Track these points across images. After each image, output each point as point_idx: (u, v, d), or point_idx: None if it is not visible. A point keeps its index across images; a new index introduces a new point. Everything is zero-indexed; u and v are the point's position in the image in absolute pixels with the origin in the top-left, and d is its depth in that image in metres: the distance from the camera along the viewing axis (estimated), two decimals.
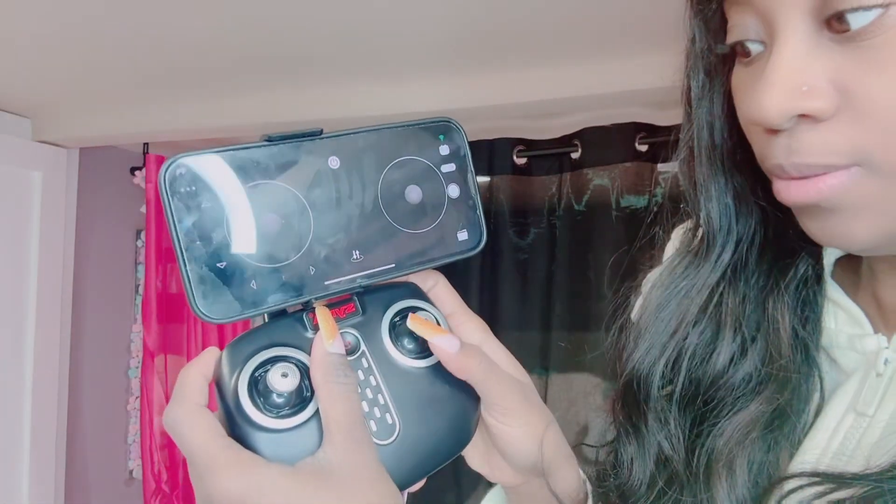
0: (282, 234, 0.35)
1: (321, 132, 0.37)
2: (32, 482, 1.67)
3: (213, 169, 0.34)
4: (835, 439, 0.36)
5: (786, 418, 0.38)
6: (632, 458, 0.42)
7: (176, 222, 0.33)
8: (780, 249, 0.41)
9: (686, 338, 0.41)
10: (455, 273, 1.67)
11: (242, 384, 0.34)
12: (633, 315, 0.48)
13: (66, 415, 1.82)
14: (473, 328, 0.42)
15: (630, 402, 0.43)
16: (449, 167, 0.41)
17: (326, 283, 0.36)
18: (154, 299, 1.93)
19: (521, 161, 1.63)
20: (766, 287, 0.41)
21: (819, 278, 0.40)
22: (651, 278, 0.47)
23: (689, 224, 0.44)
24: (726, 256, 0.41)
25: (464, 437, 0.39)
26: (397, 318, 0.39)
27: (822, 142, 0.31)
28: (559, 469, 0.41)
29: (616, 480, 0.43)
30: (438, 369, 0.38)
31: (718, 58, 0.39)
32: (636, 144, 1.52)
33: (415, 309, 0.39)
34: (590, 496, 0.45)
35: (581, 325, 1.58)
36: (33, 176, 1.69)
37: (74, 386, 1.87)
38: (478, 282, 1.62)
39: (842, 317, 0.39)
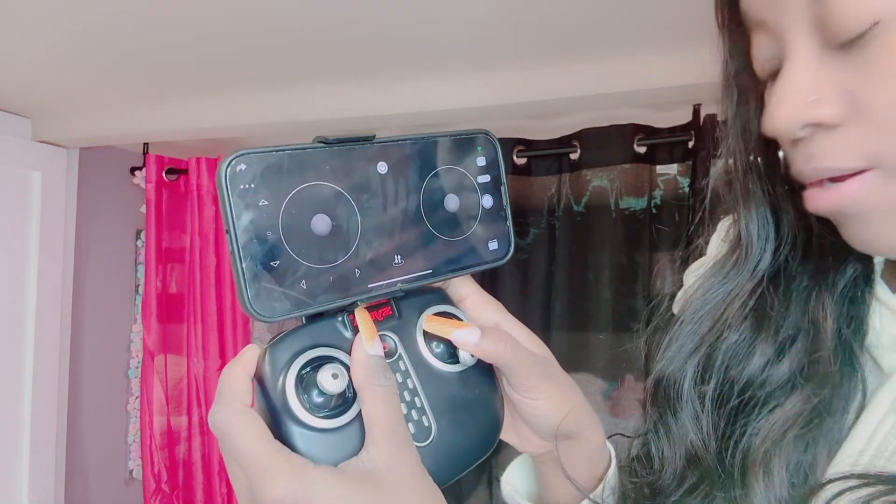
0: (332, 235, 0.35)
1: (374, 137, 0.37)
2: (32, 482, 1.67)
3: (270, 167, 0.34)
4: (874, 440, 0.36)
5: (824, 417, 0.38)
6: (663, 453, 0.43)
7: (234, 219, 0.33)
8: (827, 252, 0.41)
9: (721, 337, 0.42)
10: None
11: (290, 383, 0.34)
12: (675, 308, 0.49)
13: (66, 415, 1.83)
14: (491, 309, 0.44)
15: (661, 398, 0.44)
16: (484, 178, 0.42)
17: (370, 285, 0.37)
18: (154, 299, 1.93)
19: (520, 161, 1.63)
20: (810, 288, 0.41)
21: (869, 278, 0.41)
22: (693, 269, 0.48)
23: (733, 218, 0.45)
24: (764, 264, 0.42)
25: (492, 439, 0.41)
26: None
27: (836, 146, 0.33)
28: (583, 434, 0.43)
29: (648, 476, 0.44)
30: (469, 373, 0.40)
31: (751, 78, 0.40)
32: (635, 146, 1.52)
33: (448, 314, 0.41)
34: (612, 461, 0.46)
35: (581, 325, 1.58)
36: (33, 176, 1.69)
37: (74, 386, 1.87)
38: (478, 282, 1.62)
39: (887, 316, 0.39)
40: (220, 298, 1.94)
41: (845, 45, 0.31)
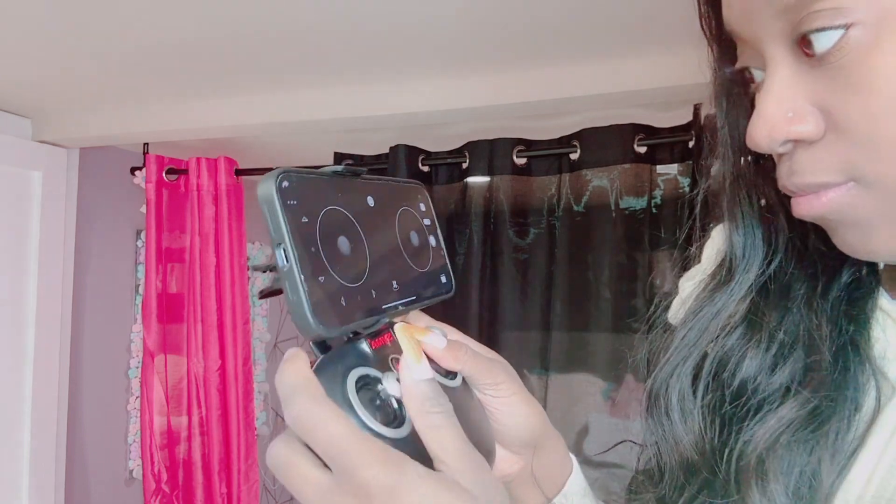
0: (353, 256, 0.37)
1: (365, 171, 0.41)
2: (33, 482, 1.67)
3: (306, 187, 0.35)
4: (887, 455, 0.35)
5: (823, 423, 0.37)
6: (663, 462, 0.43)
7: (290, 232, 0.33)
8: (821, 259, 0.41)
9: (713, 344, 0.43)
10: (455, 273, 1.67)
11: (352, 391, 0.34)
12: (670, 315, 0.49)
13: (66, 415, 1.83)
14: (448, 329, 0.45)
15: (655, 409, 0.44)
16: (427, 221, 0.46)
17: (384, 307, 0.38)
18: (154, 299, 1.93)
19: (520, 161, 1.63)
20: (804, 295, 0.41)
21: (871, 285, 0.40)
22: (689, 276, 0.48)
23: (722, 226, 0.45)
24: (751, 275, 0.42)
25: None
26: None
27: (815, 161, 0.33)
28: (549, 440, 0.44)
29: (653, 490, 0.44)
30: (464, 389, 0.42)
31: (741, 86, 0.40)
32: (635, 146, 1.52)
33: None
34: (574, 469, 0.46)
35: (581, 325, 1.58)
36: (33, 176, 1.69)
37: (74, 386, 1.88)
38: (478, 282, 1.62)
39: (891, 327, 0.38)
40: (220, 298, 1.94)
41: (819, 59, 0.31)
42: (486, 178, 1.65)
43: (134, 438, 2.08)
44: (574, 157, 1.57)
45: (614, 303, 1.54)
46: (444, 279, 0.46)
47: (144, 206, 1.93)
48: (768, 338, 0.41)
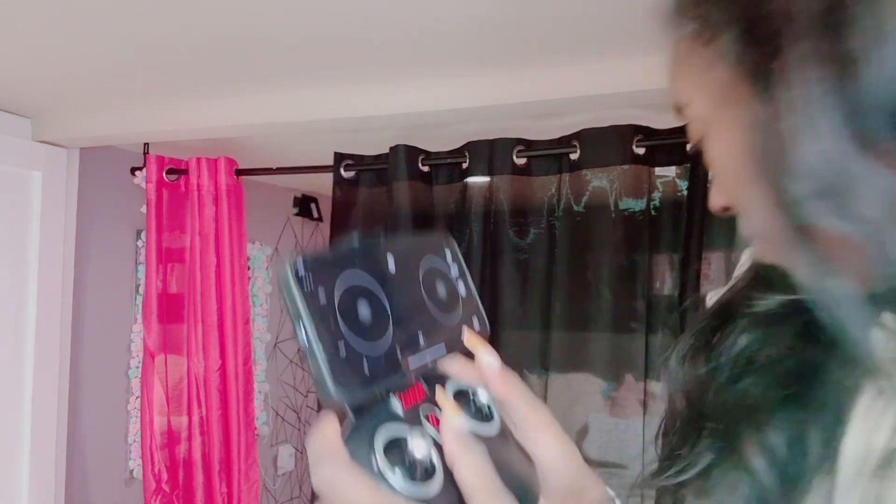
0: (374, 320, 0.39)
1: (380, 236, 0.43)
2: (32, 482, 1.68)
3: (320, 264, 0.38)
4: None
5: (811, 392, 0.41)
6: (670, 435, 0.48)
7: (305, 314, 0.36)
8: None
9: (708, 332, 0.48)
10: None
11: (380, 453, 0.36)
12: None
13: (67, 415, 1.83)
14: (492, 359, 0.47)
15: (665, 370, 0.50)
16: (454, 270, 0.48)
17: (411, 364, 0.40)
18: (154, 299, 1.93)
19: (520, 161, 1.63)
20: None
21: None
22: (714, 293, 0.52)
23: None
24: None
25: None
26: (456, 394, 0.44)
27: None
28: (591, 486, 0.44)
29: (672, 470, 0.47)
30: (500, 435, 0.43)
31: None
32: (634, 147, 1.52)
33: (462, 389, 0.45)
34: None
35: (581, 325, 1.58)
36: (33, 176, 1.69)
37: (74, 386, 1.88)
38: (478, 282, 1.62)
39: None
40: (220, 298, 1.94)
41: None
42: (486, 178, 1.65)
43: (134, 438, 2.08)
44: (574, 157, 1.57)
45: (614, 303, 1.54)
46: (476, 324, 0.47)
47: (144, 206, 1.93)
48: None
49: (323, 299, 0.37)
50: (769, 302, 0.45)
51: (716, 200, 0.43)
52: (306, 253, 0.38)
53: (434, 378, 0.44)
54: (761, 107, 0.34)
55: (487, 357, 0.42)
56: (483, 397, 0.42)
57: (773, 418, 0.41)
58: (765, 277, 0.46)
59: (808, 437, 0.40)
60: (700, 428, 0.45)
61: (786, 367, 0.43)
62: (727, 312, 0.48)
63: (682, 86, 0.43)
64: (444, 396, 0.40)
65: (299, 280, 0.36)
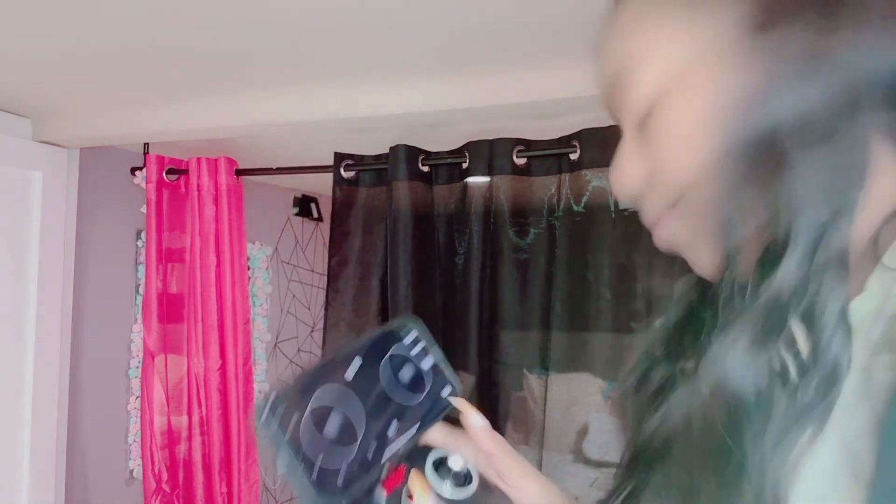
0: (346, 426, 0.44)
1: (356, 355, 0.48)
2: (32, 482, 1.68)
3: (295, 394, 0.43)
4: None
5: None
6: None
7: (289, 443, 0.41)
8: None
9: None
10: (455, 273, 1.68)
11: None
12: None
13: (67, 415, 1.83)
14: (462, 431, 0.52)
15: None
16: (416, 349, 0.52)
17: (386, 452, 0.45)
18: (154, 299, 1.93)
19: (520, 161, 1.63)
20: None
21: None
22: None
23: None
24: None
25: None
26: (436, 464, 0.49)
27: (647, 207, 0.45)
28: None
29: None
30: (483, 490, 0.48)
31: None
32: None
33: (443, 457, 0.50)
34: None
35: (581, 325, 1.58)
36: (33, 176, 1.69)
37: (74, 386, 1.88)
38: (478, 282, 1.62)
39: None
40: (220, 298, 1.94)
41: (641, 125, 0.40)
42: (486, 178, 1.65)
43: (134, 438, 2.08)
44: (574, 157, 1.57)
45: (614, 303, 1.54)
46: (447, 391, 0.52)
47: (145, 206, 1.93)
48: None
49: (297, 426, 0.41)
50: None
51: (633, 179, 0.43)
52: (279, 389, 0.42)
53: (417, 452, 0.49)
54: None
55: (475, 418, 0.47)
56: (458, 464, 0.47)
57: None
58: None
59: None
60: (636, 460, 0.47)
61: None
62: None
63: (639, 45, 0.40)
64: (415, 479, 0.45)
65: (275, 415, 0.41)
